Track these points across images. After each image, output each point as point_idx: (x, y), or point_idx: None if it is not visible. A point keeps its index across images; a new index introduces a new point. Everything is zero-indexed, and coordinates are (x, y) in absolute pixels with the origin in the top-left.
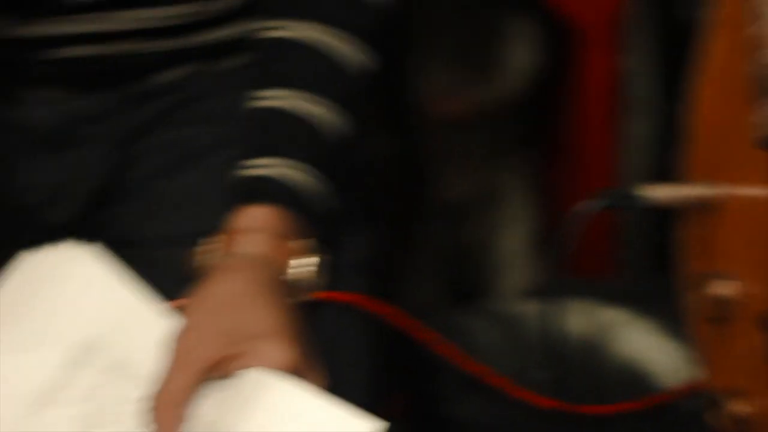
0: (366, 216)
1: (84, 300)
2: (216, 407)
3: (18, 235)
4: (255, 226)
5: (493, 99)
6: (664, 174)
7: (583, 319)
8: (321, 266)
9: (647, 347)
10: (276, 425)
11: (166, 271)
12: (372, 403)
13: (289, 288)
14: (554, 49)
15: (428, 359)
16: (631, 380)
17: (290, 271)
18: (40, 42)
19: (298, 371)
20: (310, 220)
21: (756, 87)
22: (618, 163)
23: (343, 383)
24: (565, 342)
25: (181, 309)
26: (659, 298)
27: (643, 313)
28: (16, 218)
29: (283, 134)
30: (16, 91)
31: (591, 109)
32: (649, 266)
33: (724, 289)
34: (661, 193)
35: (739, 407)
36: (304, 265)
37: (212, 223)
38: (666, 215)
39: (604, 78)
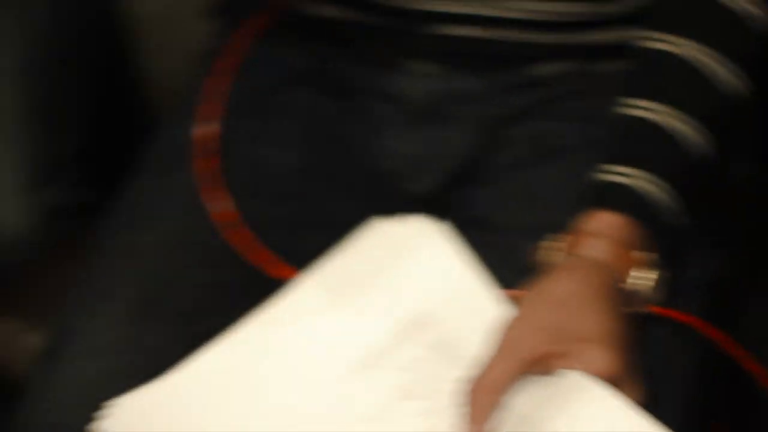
0: (715, 239)
1: (425, 274)
2: (530, 402)
3: (374, 201)
4: (602, 231)
5: None
6: None
7: None
8: (660, 281)
9: None
10: (584, 430)
11: (508, 259)
12: (686, 427)
13: (624, 297)
14: None
15: (755, 393)
16: None
17: (629, 281)
18: (427, 17)
19: (616, 381)
20: (657, 235)
21: None
22: None
23: (660, 401)
24: None
25: (515, 299)
26: None
27: None
28: (374, 184)
29: (647, 146)
30: (398, 61)
31: None
32: None
33: None
34: None
35: None
36: (643, 278)
37: (563, 221)
38: None
39: None
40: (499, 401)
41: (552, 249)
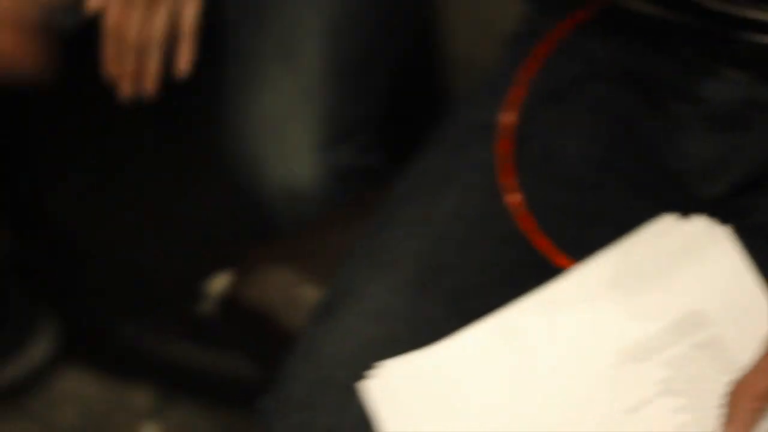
0: None
1: (705, 275)
2: None
3: (662, 199)
4: None
5: None
6: None
7: None
8: None
9: None
10: None
11: None
12: None
13: None
14: None
15: None
16: None
17: None
18: (746, 24)
19: None
20: None
21: None
22: None
23: None
24: None
25: None
26: None
27: None
28: (665, 182)
29: None
30: (709, 65)
31: None
32: None
33: None
34: None
35: None
36: None
37: None
38: None
39: None
40: (763, 409)
41: None
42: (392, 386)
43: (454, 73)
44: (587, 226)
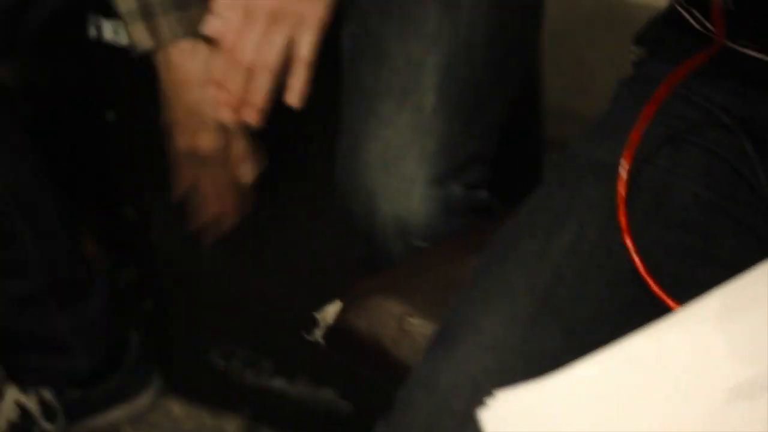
0: None
1: None
2: None
3: None
4: None
5: None
6: None
7: None
8: None
9: None
10: None
11: None
12: None
13: None
14: None
15: None
16: None
17: None
18: None
19: None
20: None
21: None
22: None
23: None
24: None
25: None
26: None
27: None
28: None
29: None
30: None
31: None
32: None
33: None
34: None
35: None
36: None
37: None
38: None
39: None
40: None
41: None
42: (506, 416)
43: (549, 122)
44: (696, 267)
